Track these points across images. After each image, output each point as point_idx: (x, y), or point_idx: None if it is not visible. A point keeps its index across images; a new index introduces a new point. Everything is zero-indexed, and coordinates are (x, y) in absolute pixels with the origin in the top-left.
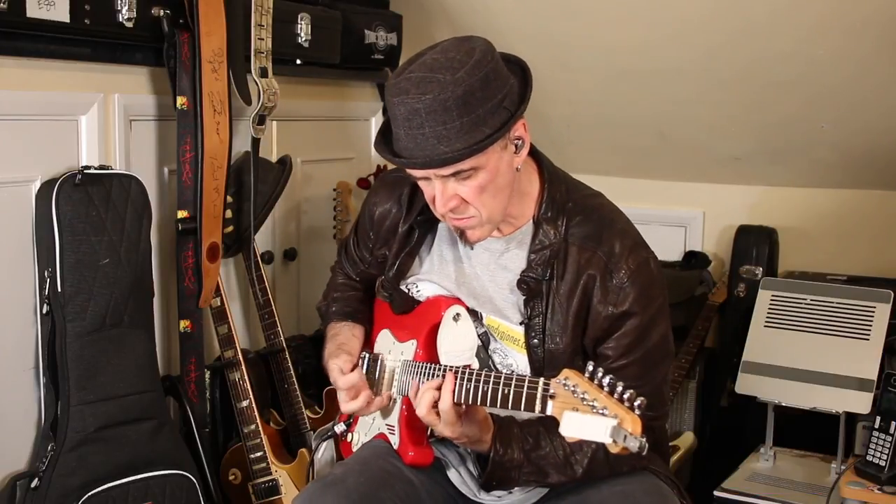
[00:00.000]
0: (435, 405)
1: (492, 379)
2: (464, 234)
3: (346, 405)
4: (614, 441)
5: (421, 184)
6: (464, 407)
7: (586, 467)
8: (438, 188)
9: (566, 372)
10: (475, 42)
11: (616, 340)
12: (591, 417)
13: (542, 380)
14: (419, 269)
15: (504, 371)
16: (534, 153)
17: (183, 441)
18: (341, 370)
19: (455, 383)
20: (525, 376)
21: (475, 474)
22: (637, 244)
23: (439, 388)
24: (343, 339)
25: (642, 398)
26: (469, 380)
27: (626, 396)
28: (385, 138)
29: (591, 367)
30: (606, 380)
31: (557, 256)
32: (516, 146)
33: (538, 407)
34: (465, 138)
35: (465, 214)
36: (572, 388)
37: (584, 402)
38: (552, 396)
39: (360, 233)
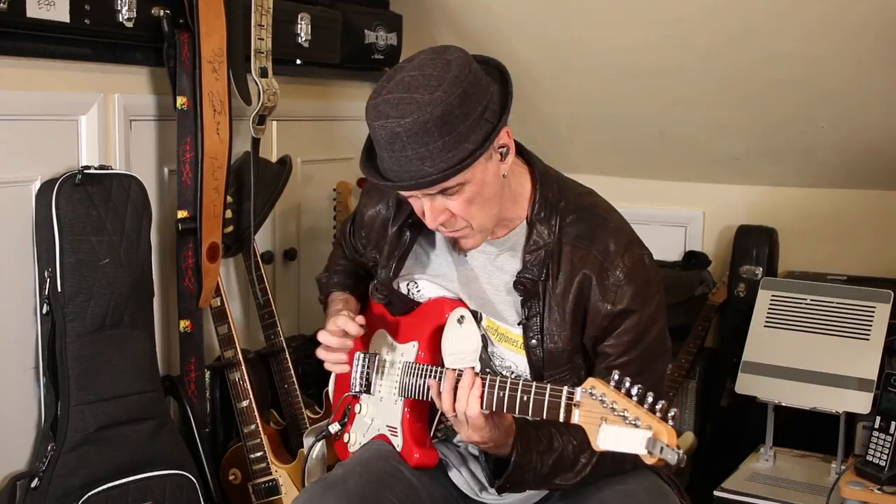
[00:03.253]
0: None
1: (508, 385)
2: (457, 242)
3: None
4: (650, 453)
5: (409, 200)
6: (490, 412)
7: (594, 465)
8: (427, 205)
9: (592, 381)
10: (451, 54)
11: (616, 338)
12: (626, 430)
13: (565, 388)
14: (422, 270)
15: (522, 377)
16: (524, 154)
17: (183, 441)
18: (349, 317)
19: (484, 389)
20: (546, 384)
21: (484, 476)
22: (631, 241)
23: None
24: (349, 304)
25: (675, 409)
26: (483, 384)
27: (657, 407)
28: (370, 157)
29: (616, 376)
30: (635, 389)
31: (552, 257)
32: (502, 154)
33: (562, 415)
34: (449, 157)
35: (456, 227)
36: (600, 398)
37: (615, 413)
38: (577, 405)
39: (356, 227)
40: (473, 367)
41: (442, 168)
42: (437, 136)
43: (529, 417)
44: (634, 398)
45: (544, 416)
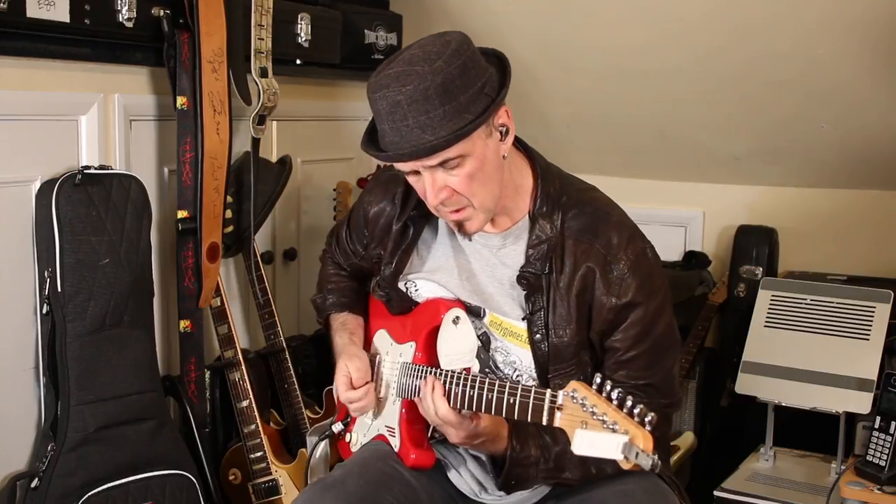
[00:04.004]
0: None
1: (496, 387)
2: (461, 226)
3: (346, 394)
4: (626, 458)
5: (410, 179)
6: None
7: (598, 464)
8: (428, 180)
9: (574, 384)
10: (451, 35)
11: (623, 332)
12: (603, 434)
13: (549, 391)
14: (420, 267)
15: (509, 379)
16: (525, 149)
17: (183, 441)
18: (350, 381)
19: (444, 389)
20: (531, 386)
21: (491, 475)
22: (633, 235)
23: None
24: (353, 327)
25: (652, 414)
26: (472, 386)
27: (636, 412)
28: (371, 138)
29: (598, 380)
30: (615, 393)
31: (555, 251)
32: (501, 133)
33: (545, 418)
34: (449, 125)
35: (458, 206)
36: (581, 402)
37: (594, 417)
38: (559, 408)
39: (354, 228)
40: (455, 370)
41: (442, 135)
42: (437, 105)
43: (515, 419)
44: (615, 402)
45: (528, 419)
